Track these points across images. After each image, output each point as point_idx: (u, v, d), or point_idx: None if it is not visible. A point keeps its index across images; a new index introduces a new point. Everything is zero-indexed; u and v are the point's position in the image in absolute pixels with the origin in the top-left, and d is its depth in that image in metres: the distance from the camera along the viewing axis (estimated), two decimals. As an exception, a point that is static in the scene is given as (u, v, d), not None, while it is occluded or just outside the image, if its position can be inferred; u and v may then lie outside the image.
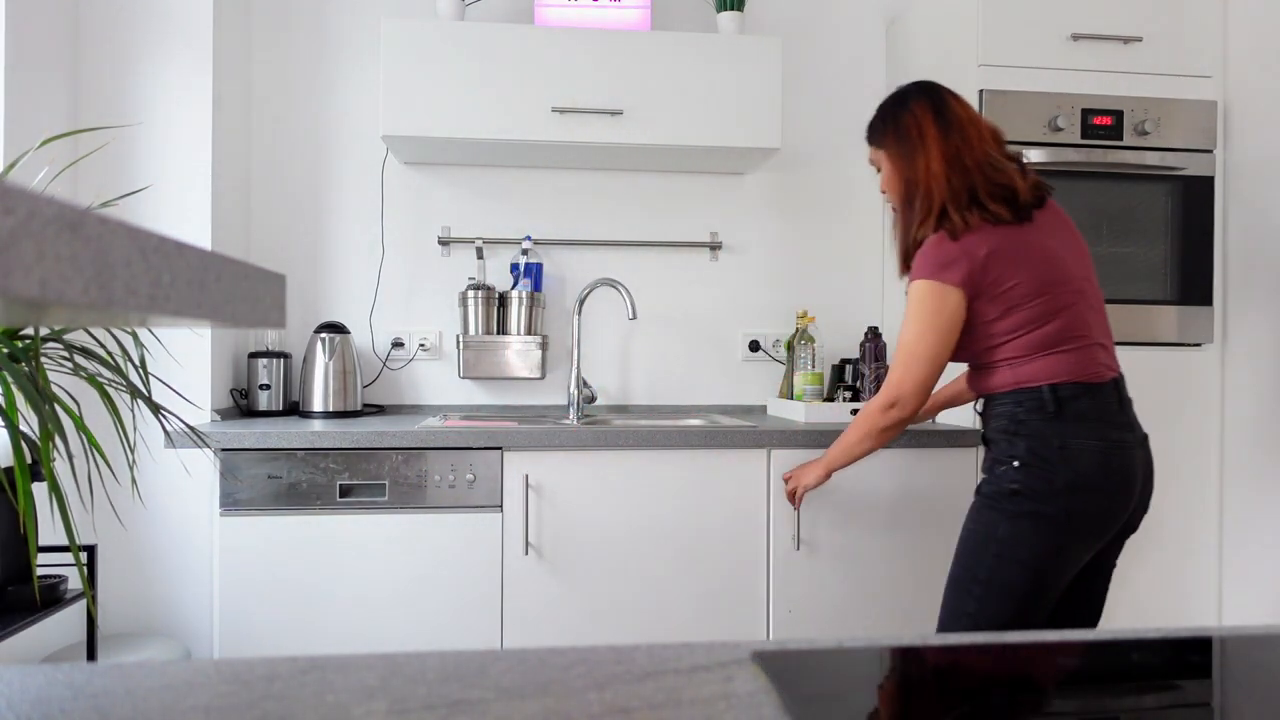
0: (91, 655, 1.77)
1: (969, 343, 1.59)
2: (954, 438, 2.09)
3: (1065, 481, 1.48)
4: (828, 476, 1.83)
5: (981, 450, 2.01)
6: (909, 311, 1.59)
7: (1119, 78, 2.21)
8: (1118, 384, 1.56)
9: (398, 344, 2.57)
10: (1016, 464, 1.51)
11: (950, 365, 1.64)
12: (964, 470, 2.11)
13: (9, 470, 1.38)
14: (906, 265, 1.65)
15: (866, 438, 1.69)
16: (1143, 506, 1.57)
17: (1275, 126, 2.21)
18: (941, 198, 1.57)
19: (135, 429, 1.65)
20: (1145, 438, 1.57)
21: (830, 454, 1.79)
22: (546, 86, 2.27)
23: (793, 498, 1.91)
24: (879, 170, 1.73)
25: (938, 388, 1.77)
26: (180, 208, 2.19)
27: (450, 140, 2.29)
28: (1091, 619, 1.63)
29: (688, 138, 2.33)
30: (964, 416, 2.18)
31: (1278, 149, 2.20)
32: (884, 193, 1.74)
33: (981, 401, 1.67)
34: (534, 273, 2.52)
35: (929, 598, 2.10)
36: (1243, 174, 2.25)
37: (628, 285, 2.63)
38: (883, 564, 2.10)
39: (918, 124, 1.62)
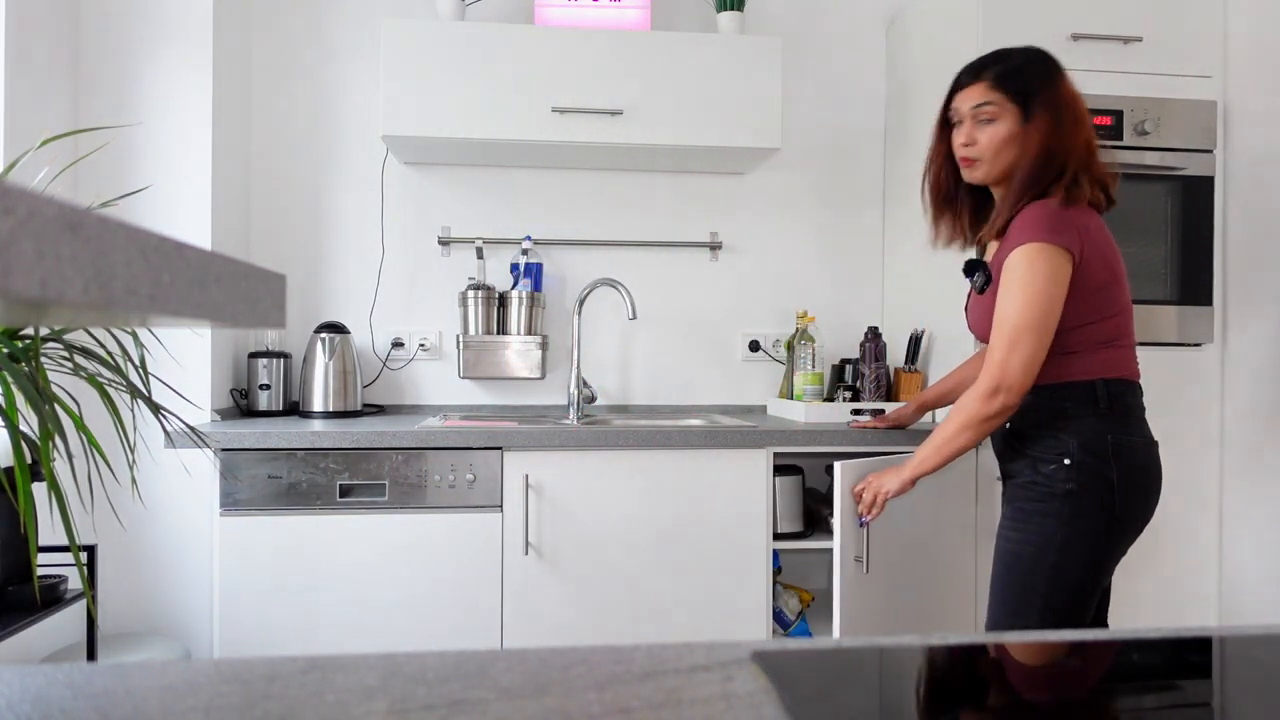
0: (91, 655, 1.77)
1: None
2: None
3: (1119, 479, 1.45)
4: (913, 483, 1.63)
5: (974, 451, 2.00)
6: (1012, 281, 1.45)
7: (1119, 78, 2.21)
8: (1141, 384, 1.57)
9: (398, 344, 2.57)
10: (1068, 462, 1.46)
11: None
12: (963, 470, 2.11)
13: (9, 470, 1.38)
14: (1000, 232, 1.55)
15: (965, 428, 1.51)
16: None
17: (1275, 126, 2.21)
18: (1076, 169, 1.49)
19: (135, 429, 1.65)
20: None
21: (918, 455, 1.60)
22: (546, 86, 2.27)
23: (869, 509, 1.67)
24: (988, 121, 1.55)
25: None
26: (180, 208, 2.19)
27: (450, 140, 2.29)
28: (1104, 611, 1.64)
29: (688, 138, 2.33)
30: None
31: (1278, 149, 2.20)
32: (969, 145, 1.57)
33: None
34: (534, 273, 2.52)
35: (926, 597, 2.10)
36: (1243, 174, 2.25)
37: (628, 285, 2.63)
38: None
39: (1072, 96, 1.53)
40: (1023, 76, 1.54)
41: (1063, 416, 1.48)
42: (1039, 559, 1.47)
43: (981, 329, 1.59)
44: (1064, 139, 1.50)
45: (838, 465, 1.77)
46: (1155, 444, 1.53)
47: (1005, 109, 1.54)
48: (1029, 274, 1.43)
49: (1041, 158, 1.51)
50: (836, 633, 1.80)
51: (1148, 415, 1.58)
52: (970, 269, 1.63)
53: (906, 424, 2.08)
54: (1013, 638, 0.66)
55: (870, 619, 1.87)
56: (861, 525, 1.74)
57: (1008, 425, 1.58)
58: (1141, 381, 1.56)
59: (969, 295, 1.68)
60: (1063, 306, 1.45)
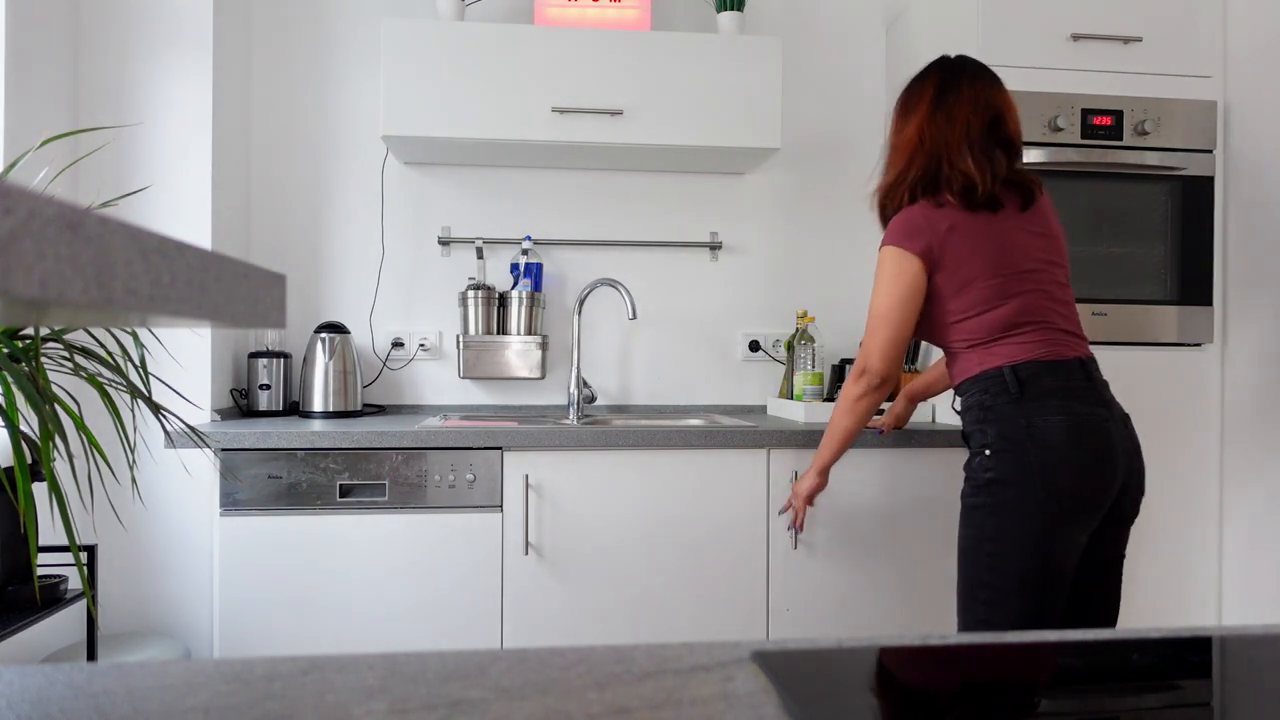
0: (91, 655, 1.77)
1: (929, 317, 1.63)
2: (951, 438, 2.09)
3: (1038, 461, 1.47)
4: (823, 476, 1.81)
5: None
6: (875, 278, 1.64)
7: (1119, 78, 2.21)
8: (1084, 363, 1.56)
9: (398, 344, 2.57)
10: (988, 452, 1.53)
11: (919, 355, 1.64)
12: (960, 469, 2.11)
13: (9, 470, 1.38)
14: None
15: (844, 414, 1.70)
16: (1136, 489, 1.55)
17: (1275, 126, 2.21)
18: (909, 173, 1.63)
19: (135, 429, 1.65)
20: (1126, 417, 1.57)
21: (818, 452, 1.80)
22: (546, 86, 2.27)
23: (798, 516, 1.88)
24: None
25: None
26: (180, 208, 2.19)
27: (450, 140, 2.29)
28: (1109, 613, 1.61)
29: (688, 138, 2.33)
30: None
31: (1278, 149, 2.20)
32: None
33: (957, 399, 1.68)
34: (534, 273, 2.52)
35: (925, 596, 2.10)
36: (1243, 174, 2.25)
37: (628, 285, 2.63)
38: (879, 563, 2.10)
39: (919, 97, 1.67)
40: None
41: (983, 408, 1.55)
42: (978, 549, 1.52)
43: None
44: (900, 135, 1.68)
45: (771, 455, 2.07)
46: (1095, 419, 1.51)
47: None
48: (879, 272, 1.63)
49: (887, 151, 1.72)
50: (769, 614, 2.07)
51: (1143, 415, 1.57)
52: None
53: (905, 421, 2.09)
54: (1012, 638, 0.66)
55: (807, 599, 2.08)
56: (791, 530, 1.97)
57: (962, 429, 1.64)
58: (1085, 360, 1.55)
59: None
60: (920, 299, 1.59)
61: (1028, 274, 1.57)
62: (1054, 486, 1.47)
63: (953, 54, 1.74)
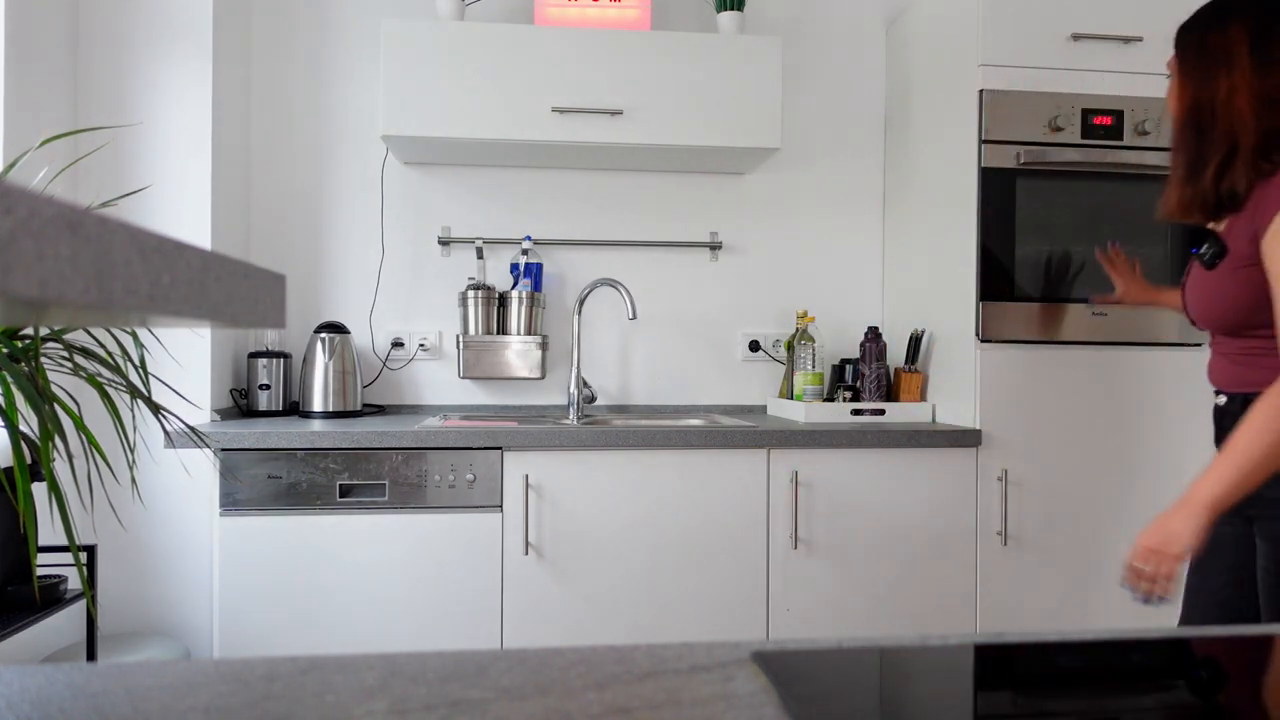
0: (91, 655, 1.77)
1: (1259, 295, 1.27)
2: (954, 437, 2.09)
3: None
4: (1212, 520, 1.30)
5: (975, 453, 1.97)
6: None
7: (1119, 78, 2.21)
8: None
9: (398, 344, 2.57)
10: None
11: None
12: (963, 470, 2.11)
13: (9, 470, 1.38)
14: (1182, 210, 1.38)
15: None
16: None
17: (1275, 126, 2.20)
18: (1250, 139, 1.28)
19: (135, 429, 1.65)
20: None
21: (1219, 485, 1.29)
22: (546, 86, 2.27)
23: (1158, 585, 1.30)
24: (1170, 76, 1.41)
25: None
26: (180, 208, 2.19)
27: (450, 140, 2.29)
28: None
29: (688, 138, 2.33)
30: (965, 415, 2.18)
31: (1278, 149, 2.20)
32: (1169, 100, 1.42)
33: (1229, 399, 1.34)
34: (534, 273, 2.52)
35: (925, 596, 2.10)
36: (1243, 174, 2.24)
37: (628, 285, 2.63)
38: (879, 563, 2.10)
39: (1227, 45, 1.30)
40: (1186, 26, 1.40)
41: None
42: None
43: (1204, 311, 1.37)
44: (1213, 89, 1.33)
45: (771, 455, 1.98)
46: None
47: (1172, 63, 1.41)
48: None
49: (1186, 111, 1.37)
50: (769, 614, 2.06)
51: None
52: (1198, 239, 1.40)
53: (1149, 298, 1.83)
54: (1012, 638, 0.66)
55: (807, 599, 2.08)
56: (1151, 602, 1.32)
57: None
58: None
59: (1186, 273, 1.45)
60: None
61: None
62: None
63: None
